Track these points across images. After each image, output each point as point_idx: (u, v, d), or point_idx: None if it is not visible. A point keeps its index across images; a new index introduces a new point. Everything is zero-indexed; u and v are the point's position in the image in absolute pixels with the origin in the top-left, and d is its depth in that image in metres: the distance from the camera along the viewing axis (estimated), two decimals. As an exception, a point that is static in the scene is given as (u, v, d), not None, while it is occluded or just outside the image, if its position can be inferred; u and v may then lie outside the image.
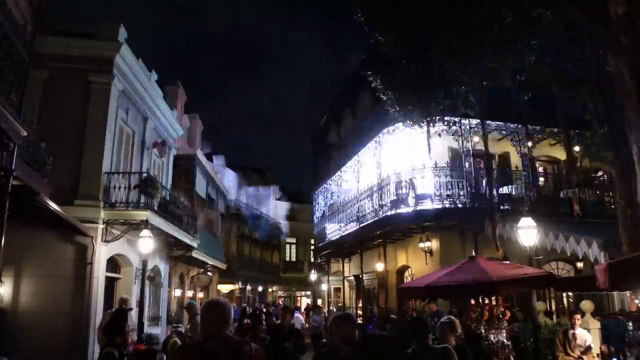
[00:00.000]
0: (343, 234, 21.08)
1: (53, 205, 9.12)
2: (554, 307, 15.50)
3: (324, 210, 25.87)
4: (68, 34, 12.88)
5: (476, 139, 15.92)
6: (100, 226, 12.18)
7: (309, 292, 40.86)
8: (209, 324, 3.45)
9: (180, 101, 21.85)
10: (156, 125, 16.95)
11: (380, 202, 17.09)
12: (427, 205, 15.59)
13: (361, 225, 18.73)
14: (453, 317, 6.17)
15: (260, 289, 38.96)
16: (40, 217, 9.84)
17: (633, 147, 8.45)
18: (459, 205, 15.36)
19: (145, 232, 12.10)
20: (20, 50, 7.79)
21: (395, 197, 16.57)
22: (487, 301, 11.53)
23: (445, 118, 14.11)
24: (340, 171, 22.39)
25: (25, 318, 10.74)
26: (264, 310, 17.98)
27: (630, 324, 8.58)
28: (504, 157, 17.73)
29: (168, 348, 8.50)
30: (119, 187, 12.69)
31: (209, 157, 24.74)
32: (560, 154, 17.80)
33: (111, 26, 13.14)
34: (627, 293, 11.27)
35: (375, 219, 17.30)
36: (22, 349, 10.07)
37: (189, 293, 23.00)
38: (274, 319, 13.83)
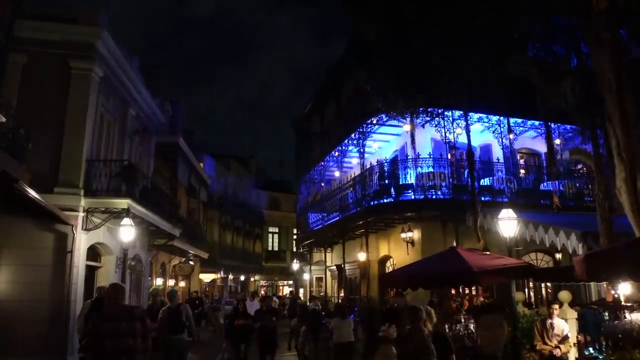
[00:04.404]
0: (326, 224, 21.13)
1: (32, 192, 8.98)
2: (532, 297, 15.74)
3: (307, 200, 25.86)
4: (48, 18, 12.61)
5: (459, 130, 16.00)
6: (81, 214, 12.02)
7: (291, 282, 40.95)
8: (112, 298, 5.43)
9: (163, 88, 21.58)
10: (138, 112, 16.74)
11: (363, 192, 17.14)
12: (410, 195, 15.69)
13: (344, 215, 18.79)
14: (429, 307, 6.27)
15: (242, 278, 38.96)
16: (19, 204, 9.69)
17: (612, 140, 8.59)
18: (441, 196, 15.47)
19: (127, 221, 11.98)
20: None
21: (378, 188, 16.64)
22: (467, 291, 11.71)
23: (429, 109, 14.16)
24: (324, 161, 22.38)
25: (5, 307, 10.59)
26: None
27: (606, 314, 8.73)
28: (486, 149, 17.88)
29: None
30: (100, 175, 12.51)
31: (191, 145, 24.51)
32: (541, 146, 18.00)
33: (92, 11, 12.89)
34: (604, 284, 11.49)
35: (358, 209, 17.36)
36: (1, 338, 9.97)
37: (171, 282, 22.88)
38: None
